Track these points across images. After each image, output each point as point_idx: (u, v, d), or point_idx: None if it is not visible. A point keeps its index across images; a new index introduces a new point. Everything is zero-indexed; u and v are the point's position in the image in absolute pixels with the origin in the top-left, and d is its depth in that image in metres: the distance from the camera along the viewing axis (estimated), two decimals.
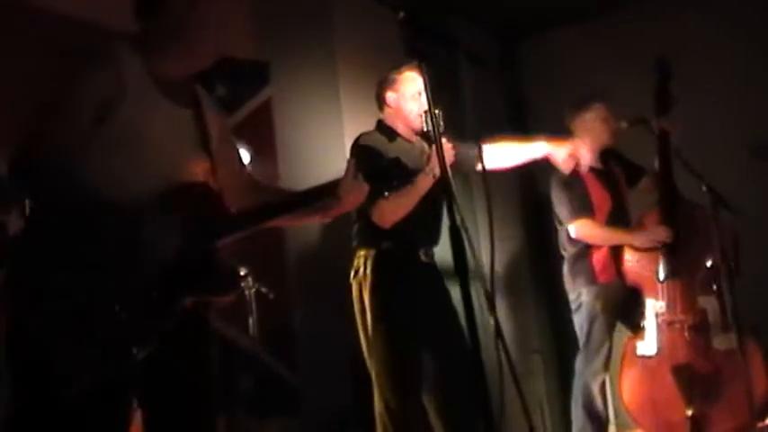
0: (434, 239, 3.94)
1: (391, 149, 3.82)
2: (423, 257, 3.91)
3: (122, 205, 2.25)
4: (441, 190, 2.89)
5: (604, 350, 4.62)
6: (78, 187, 2.25)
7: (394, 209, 3.75)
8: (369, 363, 3.92)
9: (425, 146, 3.96)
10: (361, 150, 3.87)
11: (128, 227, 2.24)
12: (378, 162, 3.61)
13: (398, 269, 3.83)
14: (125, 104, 2.36)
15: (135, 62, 2.44)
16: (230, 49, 5.42)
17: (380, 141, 3.94)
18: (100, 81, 2.34)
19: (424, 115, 3.83)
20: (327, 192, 2.72)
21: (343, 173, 2.78)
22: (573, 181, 4.69)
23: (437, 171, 3.57)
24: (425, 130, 3.87)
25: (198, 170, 2.55)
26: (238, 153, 2.86)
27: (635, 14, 6.25)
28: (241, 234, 2.50)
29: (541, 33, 6.79)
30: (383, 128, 4.07)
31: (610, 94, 5.14)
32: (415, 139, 4.04)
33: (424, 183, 3.70)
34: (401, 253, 3.86)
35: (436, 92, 2.60)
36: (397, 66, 4.10)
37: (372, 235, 3.89)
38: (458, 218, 2.36)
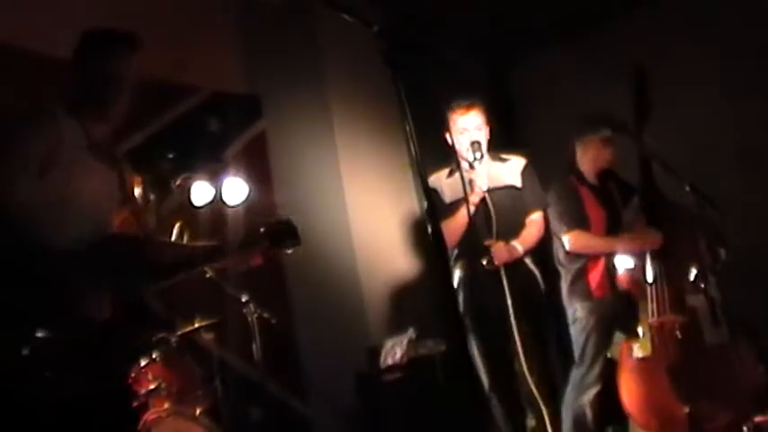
0: None
1: (445, 184, 4.58)
2: None
3: (58, 252, 2.47)
4: None
5: (598, 364, 4.72)
6: (21, 234, 2.45)
7: None
8: None
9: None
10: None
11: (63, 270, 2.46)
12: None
13: None
14: (58, 165, 2.62)
15: (72, 125, 2.74)
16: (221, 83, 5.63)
17: (440, 179, 4.63)
18: (41, 137, 2.63)
19: (470, 147, 4.43)
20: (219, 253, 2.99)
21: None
22: (570, 195, 4.82)
23: (475, 199, 4.37)
24: (472, 163, 4.42)
25: (124, 222, 2.88)
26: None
27: (618, 29, 6.43)
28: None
29: (528, 55, 6.96)
30: (451, 164, 4.58)
31: (597, 106, 5.29)
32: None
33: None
34: None
35: (413, 102, 2.73)
36: (450, 105, 4.61)
37: None
38: None
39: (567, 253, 4.80)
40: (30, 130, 2.64)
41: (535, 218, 4.68)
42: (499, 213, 4.45)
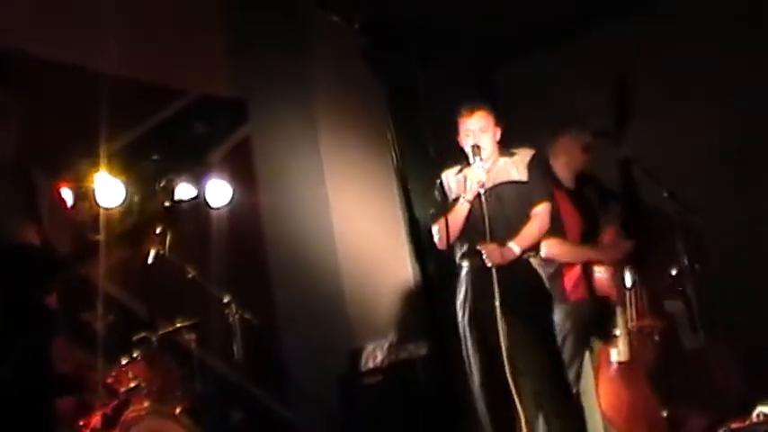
0: None
1: (452, 181, 4.59)
2: None
3: None
4: None
5: (574, 367, 4.72)
6: None
7: None
8: None
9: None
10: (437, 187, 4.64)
11: None
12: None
13: None
14: None
15: None
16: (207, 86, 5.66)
17: (448, 176, 4.64)
18: None
19: (470, 150, 4.42)
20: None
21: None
22: None
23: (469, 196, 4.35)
24: (471, 162, 4.41)
25: (29, 232, 2.98)
26: (66, 213, 3.49)
27: (602, 36, 6.47)
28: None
29: (512, 60, 6.99)
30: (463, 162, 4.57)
31: (582, 113, 5.34)
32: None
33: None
34: None
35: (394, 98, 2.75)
36: (458, 111, 4.58)
37: None
38: None
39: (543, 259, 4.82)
40: None
41: (538, 210, 4.48)
42: (503, 210, 4.38)
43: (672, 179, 4.60)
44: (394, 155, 2.52)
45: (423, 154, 4.69)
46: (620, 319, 4.52)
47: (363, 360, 5.37)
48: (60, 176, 4.41)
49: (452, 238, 4.43)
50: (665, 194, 4.40)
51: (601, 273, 4.67)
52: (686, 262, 4.35)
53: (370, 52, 2.56)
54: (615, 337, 4.56)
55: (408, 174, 2.91)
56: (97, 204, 4.91)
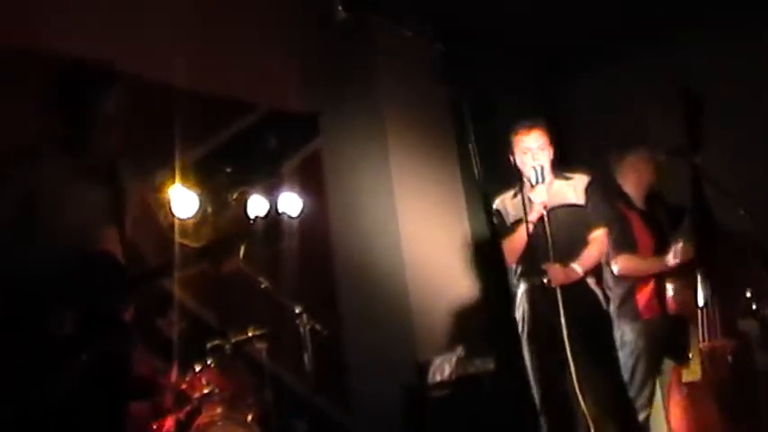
0: None
1: (509, 205, 4.60)
2: None
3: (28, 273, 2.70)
4: None
5: (648, 388, 4.68)
6: None
7: None
8: None
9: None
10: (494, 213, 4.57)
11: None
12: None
13: None
14: (42, 200, 2.82)
15: (58, 162, 2.91)
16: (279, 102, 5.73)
17: (504, 201, 4.65)
18: (22, 178, 2.84)
19: (533, 170, 4.42)
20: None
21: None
22: (617, 218, 4.79)
23: (533, 217, 4.34)
24: (533, 182, 4.42)
25: (109, 238, 3.00)
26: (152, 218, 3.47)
27: (661, 49, 6.40)
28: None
29: (572, 75, 6.96)
30: (515, 186, 4.60)
31: (647, 130, 5.29)
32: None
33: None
34: None
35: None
36: (513, 128, 4.62)
37: None
38: None
39: (615, 276, 4.79)
40: (13, 171, 2.86)
41: (597, 235, 4.55)
42: (560, 233, 4.39)
43: (748, 196, 4.54)
44: (476, 168, 2.54)
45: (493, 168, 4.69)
46: (692, 338, 4.46)
47: (431, 373, 5.37)
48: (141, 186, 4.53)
49: (515, 259, 4.52)
50: (742, 212, 4.33)
51: (673, 291, 4.62)
52: (764, 280, 4.27)
53: (442, 67, 2.58)
54: (687, 356, 4.49)
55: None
56: (172, 215, 5.04)
